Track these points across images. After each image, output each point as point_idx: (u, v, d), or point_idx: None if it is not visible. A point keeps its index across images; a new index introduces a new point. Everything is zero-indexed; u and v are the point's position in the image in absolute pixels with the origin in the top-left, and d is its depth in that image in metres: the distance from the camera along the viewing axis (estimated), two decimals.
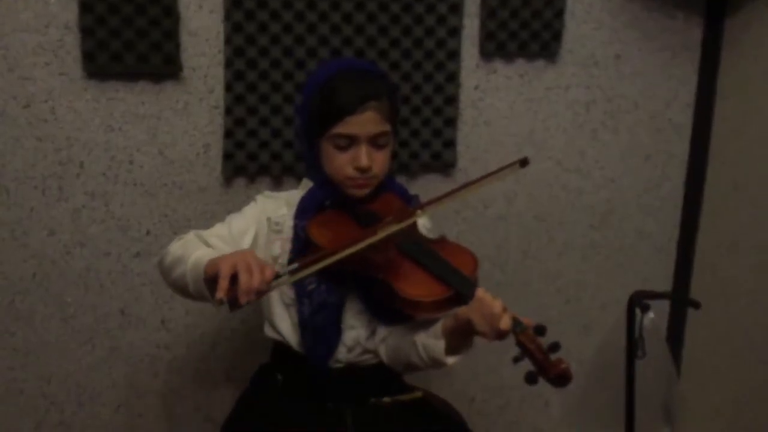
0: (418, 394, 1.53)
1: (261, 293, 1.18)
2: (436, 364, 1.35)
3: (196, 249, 1.32)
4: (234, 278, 1.15)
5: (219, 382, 1.89)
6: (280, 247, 1.44)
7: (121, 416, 1.85)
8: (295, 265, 1.24)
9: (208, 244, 1.39)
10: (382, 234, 1.29)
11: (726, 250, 1.95)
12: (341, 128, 1.37)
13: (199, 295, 1.29)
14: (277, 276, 1.20)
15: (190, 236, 1.40)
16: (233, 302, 1.15)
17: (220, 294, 1.14)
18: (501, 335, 1.22)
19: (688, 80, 1.98)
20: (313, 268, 1.23)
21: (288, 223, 1.44)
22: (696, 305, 1.61)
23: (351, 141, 1.38)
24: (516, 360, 1.21)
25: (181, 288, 1.34)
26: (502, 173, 1.40)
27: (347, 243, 1.27)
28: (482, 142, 1.89)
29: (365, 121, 1.37)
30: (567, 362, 1.16)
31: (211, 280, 1.22)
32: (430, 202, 1.38)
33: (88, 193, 1.71)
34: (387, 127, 1.41)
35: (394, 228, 1.30)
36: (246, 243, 1.43)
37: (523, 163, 1.41)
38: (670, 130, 2.00)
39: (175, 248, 1.36)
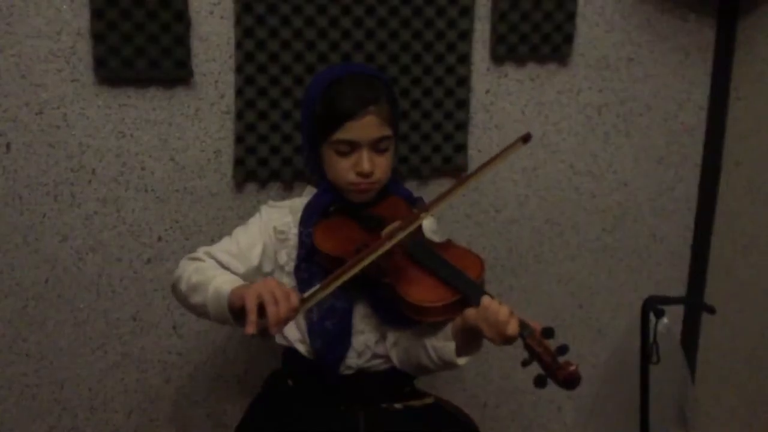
0: (430, 399, 1.53)
1: (289, 321, 1.20)
2: (447, 365, 1.36)
3: (212, 275, 1.33)
4: (261, 309, 1.17)
5: (231, 388, 1.89)
6: (287, 255, 1.45)
7: (133, 422, 1.85)
8: (316, 287, 1.24)
9: (220, 263, 1.40)
10: (394, 240, 1.28)
11: (741, 253, 1.93)
12: (342, 134, 1.37)
13: (221, 322, 1.31)
14: (302, 300, 1.22)
15: (201, 255, 1.40)
16: (263, 333, 1.17)
17: (251, 329, 1.16)
18: (509, 340, 1.22)
19: (701, 82, 1.96)
20: (333, 286, 1.23)
21: (293, 231, 1.45)
22: (711, 310, 1.60)
23: (352, 146, 1.39)
24: (524, 364, 1.20)
25: (200, 314, 1.36)
26: (506, 153, 1.40)
27: (362, 253, 1.27)
28: (494, 146, 1.88)
29: (365, 126, 1.37)
30: (576, 364, 1.15)
31: (236, 310, 1.24)
32: (435, 201, 1.37)
33: (100, 199, 1.72)
34: (388, 131, 1.41)
35: (404, 232, 1.30)
36: (255, 256, 1.44)
37: (526, 139, 1.40)
38: (683, 133, 1.99)
39: (188, 275, 1.36)
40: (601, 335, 2.06)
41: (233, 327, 1.33)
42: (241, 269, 1.41)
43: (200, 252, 1.42)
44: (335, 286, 1.24)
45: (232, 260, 1.41)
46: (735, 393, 1.97)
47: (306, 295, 1.23)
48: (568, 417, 2.10)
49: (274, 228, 1.46)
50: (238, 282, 1.31)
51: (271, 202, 1.54)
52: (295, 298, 1.20)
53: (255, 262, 1.43)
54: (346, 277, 1.24)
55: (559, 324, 2.01)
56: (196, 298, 1.34)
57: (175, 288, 1.41)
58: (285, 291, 1.20)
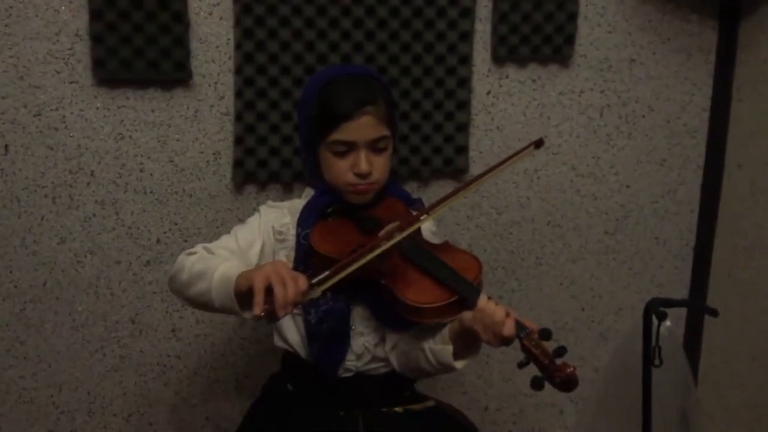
0: (431, 403, 1.52)
1: (297, 304, 1.19)
2: (446, 368, 1.35)
3: (215, 263, 1.31)
4: (268, 291, 1.16)
5: (229, 392, 1.88)
6: (285, 256, 1.44)
7: (131, 425, 1.84)
8: (326, 272, 1.23)
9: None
10: (397, 238, 1.27)
11: (743, 255, 1.92)
12: (338, 135, 1.37)
13: (224, 310, 1.29)
14: (311, 285, 1.20)
15: (199, 249, 1.38)
16: (271, 316, 1.16)
17: (257, 310, 1.15)
18: (505, 342, 1.21)
19: (703, 83, 1.96)
20: (343, 273, 1.23)
21: (291, 232, 1.44)
22: (714, 313, 1.58)
23: (349, 147, 1.38)
24: (521, 365, 1.19)
25: (201, 303, 1.33)
26: (518, 158, 1.39)
27: (374, 243, 1.27)
28: (495, 148, 1.87)
29: (362, 126, 1.37)
30: (573, 366, 1.14)
31: (243, 294, 1.22)
32: (436, 204, 1.36)
33: (99, 201, 1.71)
34: (385, 131, 1.40)
35: (405, 232, 1.29)
36: (253, 254, 1.42)
37: (539, 144, 1.39)
38: (685, 134, 1.98)
39: (191, 264, 1.33)
40: (603, 338, 2.05)
41: (236, 317, 1.29)
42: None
43: (198, 247, 1.40)
44: (345, 274, 1.23)
45: (231, 257, 1.39)
46: (738, 395, 1.97)
47: (315, 280, 1.22)
48: (569, 420, 2.09)
49: (273, 228, 1.46)
50: (245, 268, 1.29)
51: (270, 203, 1.54)
52: (303, 282, 1.19)
53: (253, 260, 1.42)
54: (356, 265, 1.23)
55: (561, 327, 2.00)
56: (198, 286, 1.30)
57: (173, 279, 1.37)
58: (293, 273, 1.19)
